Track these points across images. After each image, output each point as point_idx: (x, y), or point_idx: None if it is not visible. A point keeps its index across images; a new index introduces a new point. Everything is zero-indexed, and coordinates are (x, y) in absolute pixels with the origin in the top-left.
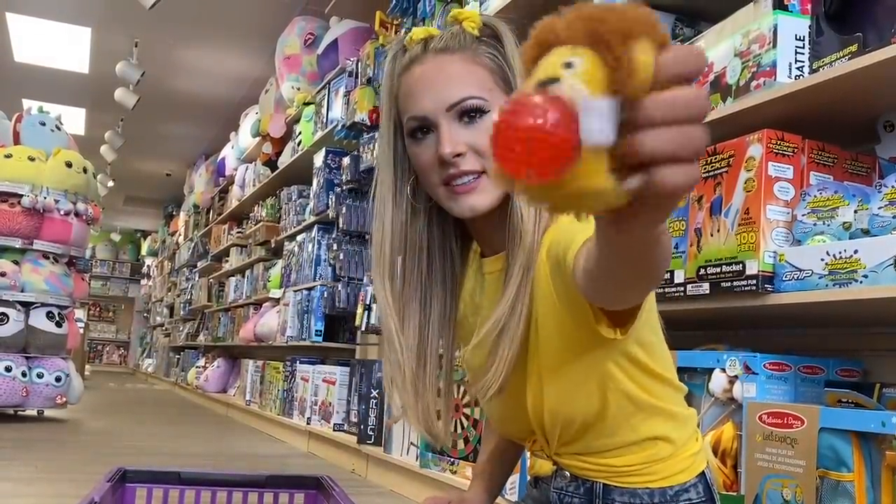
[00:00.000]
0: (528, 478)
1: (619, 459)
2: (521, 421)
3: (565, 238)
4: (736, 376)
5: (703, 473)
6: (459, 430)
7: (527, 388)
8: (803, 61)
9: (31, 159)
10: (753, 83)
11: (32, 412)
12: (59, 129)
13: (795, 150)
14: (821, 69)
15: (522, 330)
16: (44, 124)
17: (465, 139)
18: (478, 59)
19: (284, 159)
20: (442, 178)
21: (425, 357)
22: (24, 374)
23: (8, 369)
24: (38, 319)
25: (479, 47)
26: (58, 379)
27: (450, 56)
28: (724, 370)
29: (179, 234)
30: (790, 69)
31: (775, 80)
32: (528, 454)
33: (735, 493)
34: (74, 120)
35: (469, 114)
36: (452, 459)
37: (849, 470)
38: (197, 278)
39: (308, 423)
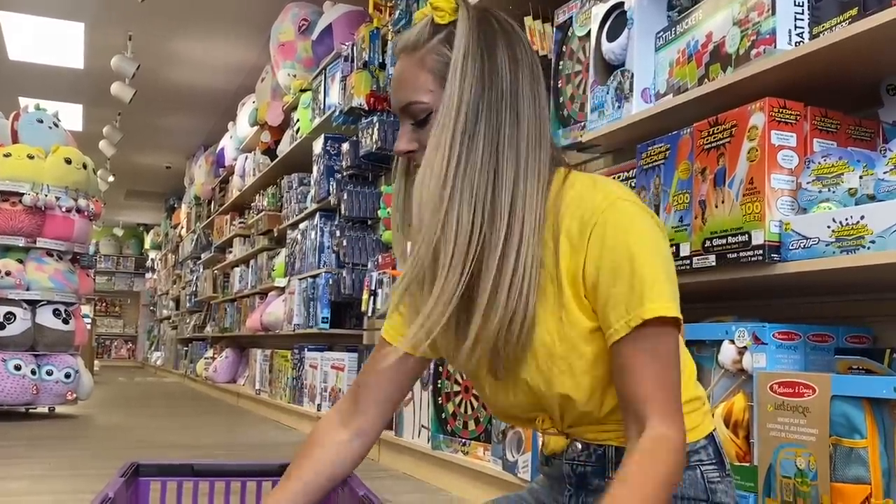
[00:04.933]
0: (540, 457)
1: None
2: (525, 404)
3: (620, 287)
4: (745, 347)
5: (711, 435)
6: (470, 412)
7: (528, 371)
8: (803, 27)
9: (31, 157)
10: (753, 51)
11: (43, 409)
12: (56, 125)
13: (798, 117)
14: (821, 34)
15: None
16: (41, 122)
17: (415, 137)
18: (426, 61)
19: (283, 147)
20: (406, 167)
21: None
22: (33, 372)
23: (17, 368)
24: (45, 317)
25: (432, 46)
26: (67, 375)
27: (406, 57)
28: (732, 341)
29: (182, 227)
30: (790, 36)
31: (775, 47)
32: (538, 434)
33: (748, 464)
34: (72, 116)
35: (417, 116)
36: (464, 440)
37: (862, 436)
38: (201, 270)
39: (319, 410)
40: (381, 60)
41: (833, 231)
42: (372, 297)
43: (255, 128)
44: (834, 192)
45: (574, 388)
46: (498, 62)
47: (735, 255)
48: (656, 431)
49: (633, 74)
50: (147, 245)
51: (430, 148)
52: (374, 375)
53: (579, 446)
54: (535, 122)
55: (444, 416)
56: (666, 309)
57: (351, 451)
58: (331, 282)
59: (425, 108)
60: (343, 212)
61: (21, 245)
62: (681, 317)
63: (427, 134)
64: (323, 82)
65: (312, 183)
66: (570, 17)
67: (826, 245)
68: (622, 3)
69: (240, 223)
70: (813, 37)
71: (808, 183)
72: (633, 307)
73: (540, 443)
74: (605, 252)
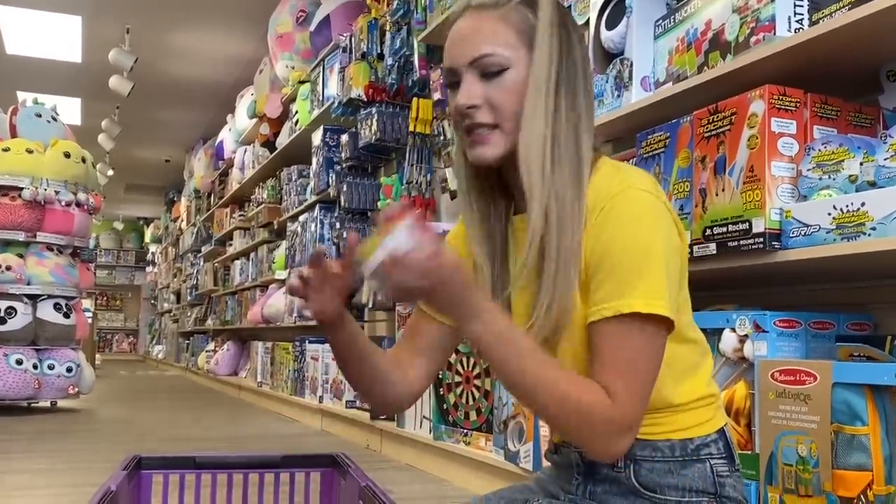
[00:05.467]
0: (548, 446)
1: None
2: None
3: (615, 277)
4: (746, 335)
5: (722, 430)
6: (471, 402)
7: (563, 345)
8: (802, 14)
9: (30, 151)
10: (753, 39)
11: (45, 404)
12: (55, 119)
13: (798, 104)
14: (820, 21)
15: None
16: (40, 116)
17: (482, 92)
18: (509, 18)
19: (283, 139)
20: (462, 128)
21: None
22: (35, 367)
23: (19, 362)
24: (46, 311)
25: (515, 6)
26: (69, 370)
27: (484, 13)
28: (733, 330)
29: (182, 220)
30: (789, 22)
31: (775, 34)
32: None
33: (750, 452)
34: (70, 110)
35: (488, 70)
36: (466, 431)
37: (863, 423)
38: (202, 263)
39: (320, 402)
40: (379, 51)
41: (834, 218)
42: (372, 289)
43: (254, 120)
44: (834, 179)
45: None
46: (573, 34)
47: (736, 243)
48: (605, 395)
49: (632, 63)
50: (147, 239)
51: (528, 110)
52: (422, 339)
53: None
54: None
55: (445, 406)
56: (649, 306)
57: (415, 375)
58: None
59: (504, 63)
60: (343, 203)
61: (21, 240)
62: (669, 315)
63: (497, 91)
64: (321, 74)
65: (312, 175)
66: (569, 6)
67: (827, 232)
68: None
69: (240, 216)
70: (812, 23)
71: (808, 170)
72: (616, 296)
73: (546, 431)
74: (603, 237)
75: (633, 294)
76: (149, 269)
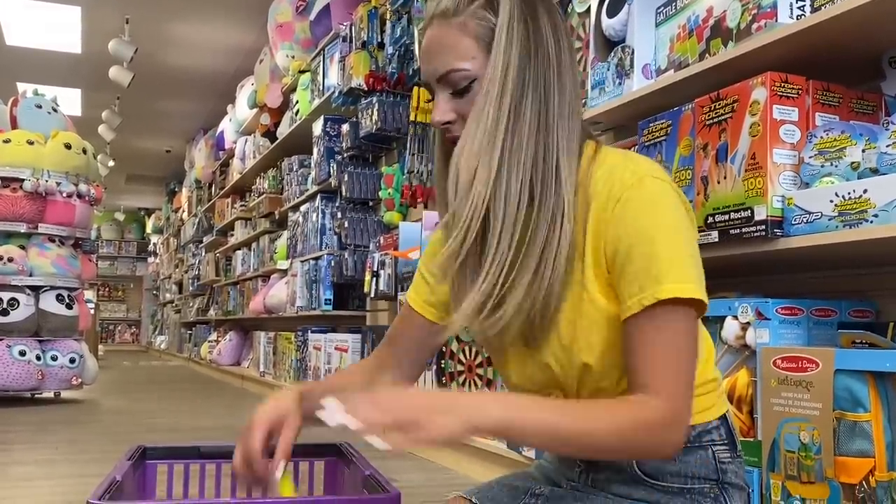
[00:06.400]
0: None
1: None
2: (543, 379)
3: (639, 265)
4: (748, 323)
5: (724, 416)
6: (474, 391)
7: (551, 344)
8: (804, 0)
9: (30, 143)
10: (754, 26)
11: (49, 395)
12: (55, 111)
13: (800, 91)
14: (822, 7)
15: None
16: (40, 107)
17: (453, 107)
18: (468, 26)
19: (283, 129)
20: (443, 138)
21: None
22: (38, 358)
23: (22, 353)
24: (49, 303)
25: (473, 11)
26: (72, 360)
27: (445, 23)
28: (735, 317)
29: (183, 211)
30: (791, 9)
31: (776, 21)
32: None
33: (752, 439)
34: (70, 101)
35: (458, 86)
36: None
37: (865, 410)
38: (203, 253)
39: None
40: (379, 40)
41: (836, 205)
42: (374, 279)
43: (255, 110)
44: (836, 166)
45: (594, 361)
46: (542, 27)
47: (738, 230)
48: (644, 397)
49: (633, 50)
50: (149, 229)
51: (472, 120)
52: (405, 340)
53: None
54: (574, 90)
55: None
56: (681, 290)
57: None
58: (333, 263)
59: (467, 76)
60: (344, 193)
61: (23, 231)
62: (702, 297)
63: (467, 104)
64: (321, 63)
65: (313, 165)
66: None
67: (829, 219)
68: None
69: (241, 206)
70: (814, 10)
71: (810, 157)
72: (647, 286)
73: None
74: (626, 229)
75: (666, 280)
76: (150, 259)
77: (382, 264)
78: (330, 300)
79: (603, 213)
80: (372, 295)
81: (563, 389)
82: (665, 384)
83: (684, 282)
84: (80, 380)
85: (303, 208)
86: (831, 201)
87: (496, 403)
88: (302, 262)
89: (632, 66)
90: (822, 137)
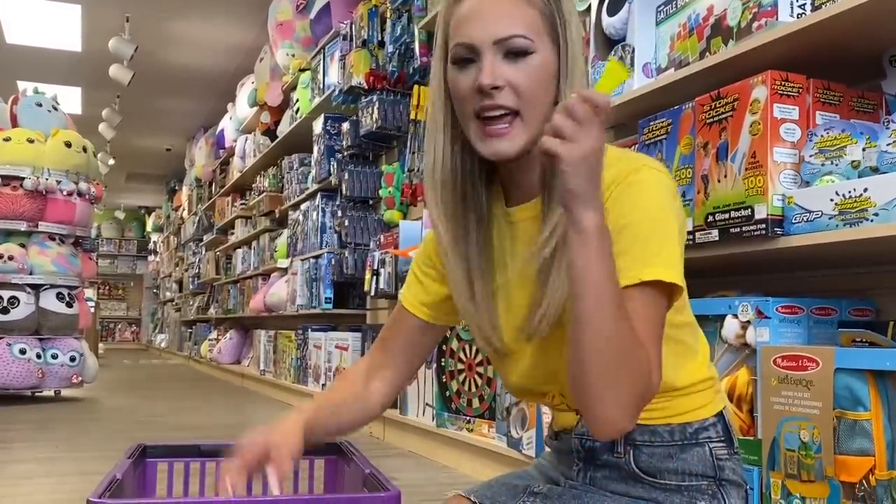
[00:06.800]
0: (547, 432)
1: None
2: (542, 375)
3: (631, 237)
4: (748, 321)
5: (721, 413)
6: (474, 389)
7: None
8: None
9: (31, 141)
10: (755, 24)
11: (49, 393)
12: (56, 109)
13: (800, 90)
14: (823, 6)
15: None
16: (40, 105)
17: (506, 74)
18: (534, 0)
19: (283, 128)
20: (476, 109)
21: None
22: (38, 356)
23: (22, 352)
24: (49, 301)
25: None
26: (72, 359)
27: None
28: (736, 316)
29: (183, 209)
30: (792, 8)
31: (777, 19)
32: (544, 410)
33: (752, 438)
34: (71, 99)
35: (514, 52)
36: (468, 418)
37: (865, 409)
38: (204, 252)
39: (323, 390)
40: (379, 39)
41: (836, 204)
42: (374, 277)
43: (255, 108)
44: (837, 164)
45: None
46: (578, 20)
47: (738, 229)
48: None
49: (633, 49)
50: (149, 228)
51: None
52: (398, 341)
53: None
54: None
55: (448, 393)
56: (665, 274)
57: (378, 393)
58: (333, 262)
59: (530, 46)
60: (344, 192)
61: (23, 229)
62: (678, 283)
63: (522, 74)
64: (322, 61)
65: (313, 163)
66: None
67: (829, 218)
68: None
69: (241, 204)
70: (815, 8)
71: (810, 156)
72: (637, 265)
73: (549, 419)
74: (622, 209)
75: (656, 262)
76: (151, 258)
77: (383, 263)
78: (330, 299)
79: (605, 200)
80: (372, 293)
81: (561, 385)
82: (654, 358)
83: (671, 267)
84: (80, 378)
85: (303, 207)
86: (831, 200)
87: (599, 217)
88: (302, 260)
89: (632, 64)
90: (822, 136)
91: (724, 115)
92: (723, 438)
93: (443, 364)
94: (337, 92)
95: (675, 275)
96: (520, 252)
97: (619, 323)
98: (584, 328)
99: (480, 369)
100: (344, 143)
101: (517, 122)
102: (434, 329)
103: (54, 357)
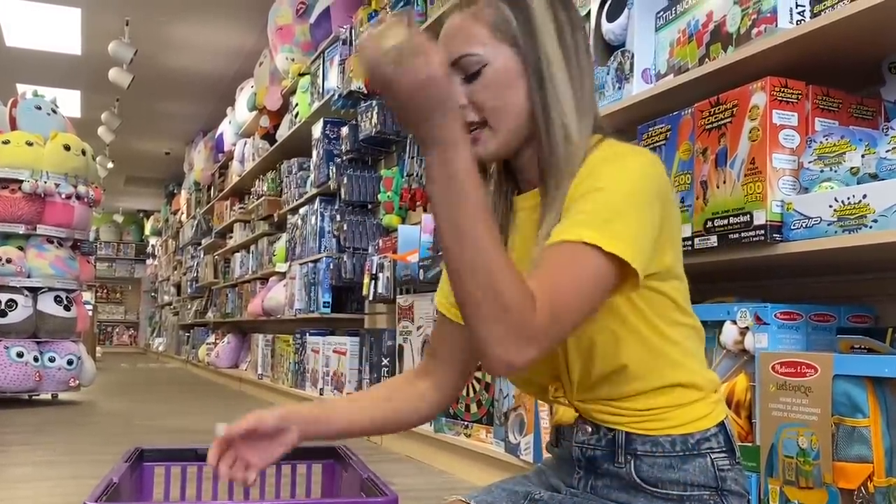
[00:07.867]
0: (549, 438)
1: (640, 402)
2: (546, 367)
3: (583, 202)
4: (747, 327)
5: (723, 423)
6: (472, 394)
7: None
8: (804, 5)
9: (30, 144)
10: (754, 30)
11: (47, 396)
12: (55, 112)
13: (799, 96)
14: (822, 13)
15: None
16: (39, 108)
17: (465, 93)
18: (480, 15)
19: (283, 132)
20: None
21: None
22: (35, 359)
23: (20, 355)
24: (47, 304)
25: (487, 1)
26: (70, 362)
27: (458, 13)
28: (734, 322)
29: (182, 213)
30: (791, 14)
31: (776, 26)
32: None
33: (750, 444)
34: (70, 102)
35: (469, 70)
36: (466, 423)
37: (864, 416)
38: (202, 256)
39: (321, 394)
40: None
41: (835, 210)
42: (373, 282)
43: (254, 112)
44: (836, 171)
45: (598, 352)
46: (571, 15)
47: (737, 235)
48: (534, 303)
49: (633, 55)
50: (147, 231)
51: (550, 91)
52: (441, 344)
53: (589, 429)
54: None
55: None
56: (609, 244)
57: (427, 397)
58: (331, 266)
59: (480, 61)
60: (343, 196)
61: (21, 232)
62: (628, 260)
63: (478, 89)
64: (321, 66)
65: (312, 167)
66: None
67: (828, 224)
68: None
69: (240, 208)
70: (814, 15)
71: (809, 162)
72: (578, 225)
73: (548, 424)
74: (591, 179)
75: (603, 229)
76: (149, 261)
77: (381, 267)
78: (328, 303)
79: (585, 172)
80: (370, 298)
81: (560, 381)
82: (545, 305)
83: (618, 240)
84: (77, 381)
85: (302, 211)
86: (830, 206)
87: (438, 155)
88: (301, 264)
89: (631, 70)
90: (821, 142)
91: (723, 122)
92: (724, 449)
93: None
94: (336, 96)
95: (623, 249)
96: (517, 242)
97: (477, 269)
98: (449, 270)
99: (479, 374)
100: (343, 147)
101: (485, 131)
102: None
103: (52, 360)
